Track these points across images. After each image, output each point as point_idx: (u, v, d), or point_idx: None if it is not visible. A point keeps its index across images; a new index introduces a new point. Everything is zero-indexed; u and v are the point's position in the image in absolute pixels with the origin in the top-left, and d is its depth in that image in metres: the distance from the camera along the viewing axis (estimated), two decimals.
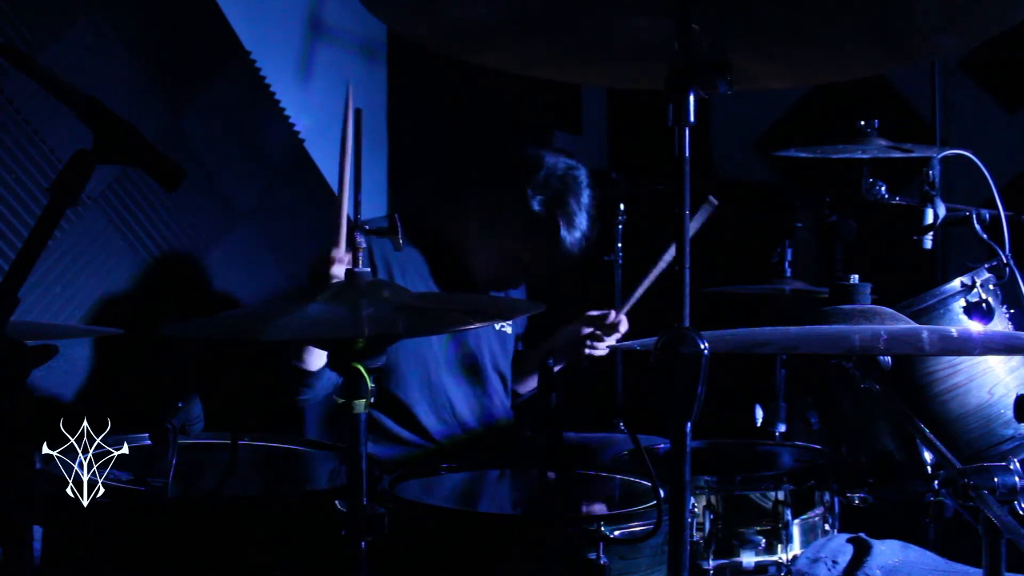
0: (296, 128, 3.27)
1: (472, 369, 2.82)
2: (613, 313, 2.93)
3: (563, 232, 2.68)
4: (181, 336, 1.89)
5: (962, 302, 2.19)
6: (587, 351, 2.93)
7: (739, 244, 3.66)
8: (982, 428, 2.09)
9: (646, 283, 2.89)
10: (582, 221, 2.71)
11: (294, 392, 2.46)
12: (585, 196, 2.72)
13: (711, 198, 2.77)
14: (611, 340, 2.93)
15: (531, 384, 3.05)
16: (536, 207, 2.68)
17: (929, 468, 2.08)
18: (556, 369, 2.89)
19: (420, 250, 2.75)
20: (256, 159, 3.17)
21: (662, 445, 2.49)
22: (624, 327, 2.95)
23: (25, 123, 2.52)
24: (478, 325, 2.49)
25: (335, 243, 2.18)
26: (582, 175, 2.74)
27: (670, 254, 2.72)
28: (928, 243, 2.29)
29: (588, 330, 2.94)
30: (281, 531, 1.81)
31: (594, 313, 2.96)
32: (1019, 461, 1.64)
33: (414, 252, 2.74)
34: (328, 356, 1.64)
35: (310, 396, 2.47)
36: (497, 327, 2.88)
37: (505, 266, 2.76)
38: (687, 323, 1.36)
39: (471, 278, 2.79)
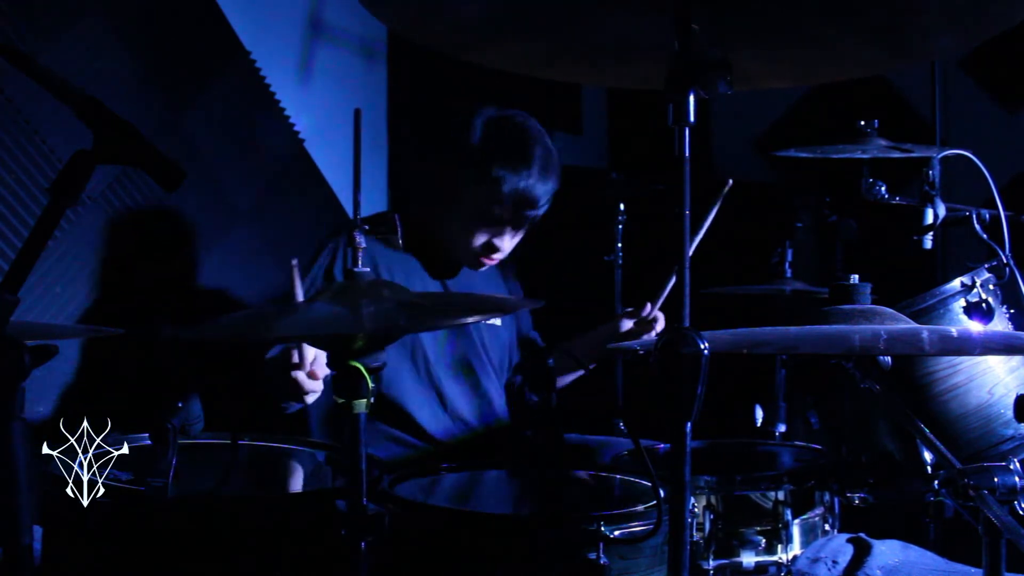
0: (296, 128, 3.27)
1: (469, 367, 2.81)
2: (648, 307, 2.88)
3: (509, 172, 2.58)
4: (181, 337, 1.89)
5: (962, 302, 2.19)
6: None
7: (739, 244, 3.65)
8: (982, 428, 2.09)
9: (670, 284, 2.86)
10: (534, 156, 2.61)
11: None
12: (528, 137, 2.63)
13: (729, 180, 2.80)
14: (651, 336, 2.86)
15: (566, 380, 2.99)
16: (478, 157, 2.60)
17: (929, 468, 2.08)
18: (591, 368, 2.85)
19: (412, 252, 2.73)
20: (256, 159, 3.17)
21: (662, 445, 2.49)
22: (660, 324, 2.88)
23: (25, 123, 2.52)
24: (478, 319, 2.48)
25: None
26: (518, 116, 2.67)
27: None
28: (928, 243, 2.29)
29: (628, 324, 2.89)
30: (281, 531, 1.81)
31: (629, 310, 2.93)
32: (1019, 461, 1.64)
33: (405, 254, 2.72)
34: (328, 356, 1.64)
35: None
36: (487, 321, 2.86)
37: (483, 239, 2.69)
38: (687, 323, 1.36)
39: (460, 264, 2.77)
